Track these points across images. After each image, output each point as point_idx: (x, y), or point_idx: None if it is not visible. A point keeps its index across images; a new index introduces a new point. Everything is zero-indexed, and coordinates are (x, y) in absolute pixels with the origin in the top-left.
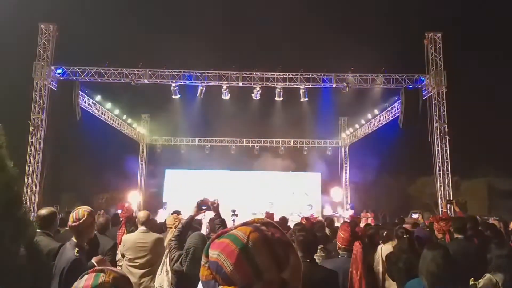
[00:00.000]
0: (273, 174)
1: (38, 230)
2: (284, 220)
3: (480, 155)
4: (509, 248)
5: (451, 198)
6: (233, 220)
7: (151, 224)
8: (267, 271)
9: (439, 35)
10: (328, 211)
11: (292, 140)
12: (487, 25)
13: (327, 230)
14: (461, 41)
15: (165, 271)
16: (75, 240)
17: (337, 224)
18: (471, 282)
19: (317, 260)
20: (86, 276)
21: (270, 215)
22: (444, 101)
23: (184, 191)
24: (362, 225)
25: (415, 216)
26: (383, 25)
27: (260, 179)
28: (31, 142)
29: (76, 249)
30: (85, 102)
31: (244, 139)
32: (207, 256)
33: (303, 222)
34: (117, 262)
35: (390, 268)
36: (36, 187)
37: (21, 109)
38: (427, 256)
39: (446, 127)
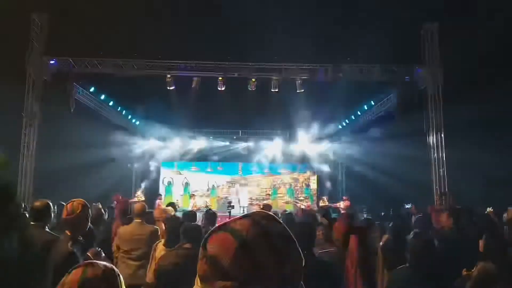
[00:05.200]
0: (269, 166)
1: (32, 223)
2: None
3: (476, 146)
4: (502, 238)
5: (446, 190)
6: (229, 212)
7: (146, 216)
8: (266, 266)
9: (436, 25)
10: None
11: (288, 132)
12: (486, 16)
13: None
14: (459, 32)
15: (154, 265)
16: (69, 234)
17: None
18: (464, 273)
19: None
20: (74, 270)
21: (267, 207)
22: (440, 93)
23: (180, 183)
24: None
25: (408, 206)
26: (380, 15)
27: (256, 171)
28: (25, 133)
29: (70, 242)
30: (79, 93)
31: (240, 131)
32: (205, 249)
33: (300, 214)
34: (113, 254)
35: (386, 258)
36: (30, 180)
37: (14, 100)
38: (411, 245)
39: (442, 119)
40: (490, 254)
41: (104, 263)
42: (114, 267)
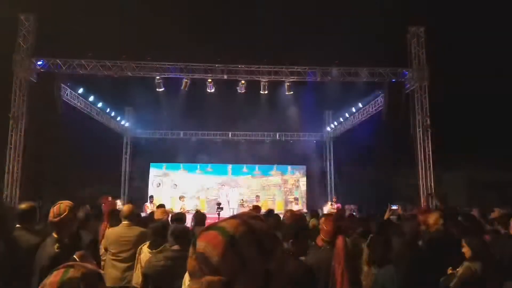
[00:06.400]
0: (259, 167)
1: (18, 225)
2: (271, 211)
3: (462, 148)
4: (483, 240)
5: (433, 191)
6: (219, 213)
7: (134, 218)
8: (253, 263)
9: (422, 29)
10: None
11: (277, 134)
12: (471, 19)
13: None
14: (444, 35)
15: (139, 268)
16: (56, 236)
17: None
18: (449, 272)
19: None
20: (55, 272)
21: (257, 208)
22: (427, 94)
23: (169, 184)
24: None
25: (394, 207)
26: (366, 18)
27: (245, 172)
28: (11, 135)
29: (57, 244)
30: (67, 95)
31: (230, 133)
32: (194, 247)
33: (288, 215)
34: (101, 257)
35: (371, 258)
36: (17, 182)
37: (1, 102)
38: (396, 245)
39: (428, 120)
40: (477, 254)
41: (88, 264)
42: (97, 268)
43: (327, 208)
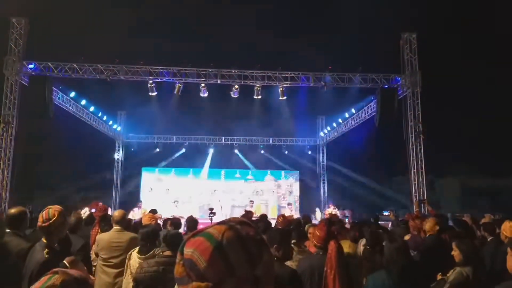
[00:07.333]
0: (252, 172)
1: (8, 230)
2: (264, 217)
3: (454, 154)
4: (473, 244)
5: (425, 197)
6: (211, 219)
7: (126, 223)
8: (240, 268)
9: (414, 36)
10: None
11: (270, 139)
12: (462, 26)
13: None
14: (437, 41)
15: (129, 274)
16: (45, 241)
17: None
18: (438, 277)
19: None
20: (42, 278)
21: (249, 213)
22: (419, 101)
23: (161, 189)
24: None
25: (386, 213)
26: (359, 25)
27: (238, 178)
28: (1, 139)
29: (46, 250)
30: (59, 99)
31: (223, 137)
32: (182, 254)
33: (280, 220)
34: (92, 262)
35: (364, 262)
36: (7, 186)
37: None
38: (387, 250)
39: (421, 126)
40: (468, 259)
41: (73, 271)
42: (83, 274)
43: (330, 211)
